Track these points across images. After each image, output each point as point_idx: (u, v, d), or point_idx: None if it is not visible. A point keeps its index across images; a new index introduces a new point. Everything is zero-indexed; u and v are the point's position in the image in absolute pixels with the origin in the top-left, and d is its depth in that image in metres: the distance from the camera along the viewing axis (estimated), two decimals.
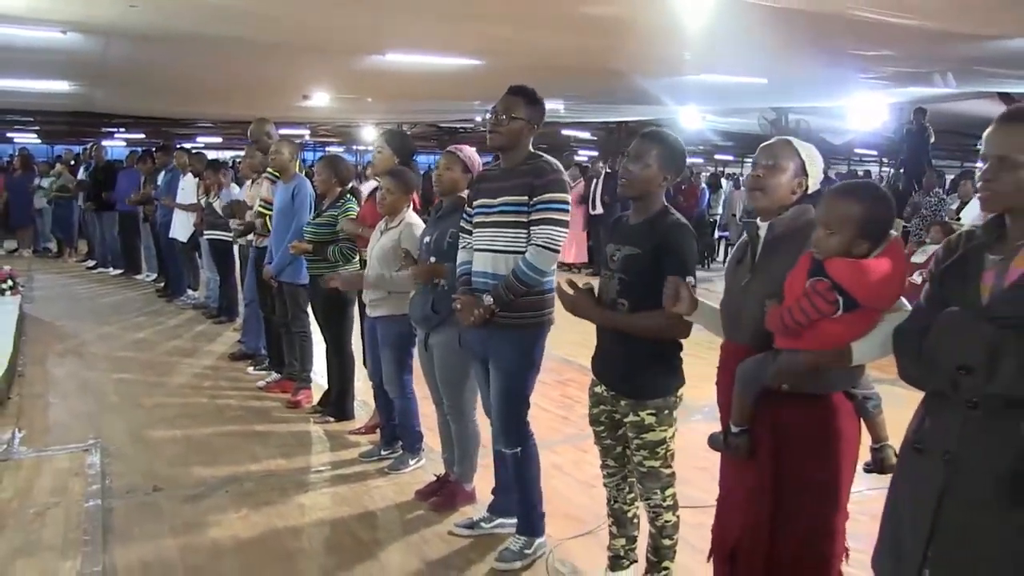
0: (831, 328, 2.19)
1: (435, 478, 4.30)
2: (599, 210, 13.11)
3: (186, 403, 5.79)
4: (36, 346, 7.32)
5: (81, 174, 13.02)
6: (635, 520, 3.20)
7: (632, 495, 3.14)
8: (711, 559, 2.62)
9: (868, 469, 2.48)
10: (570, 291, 2.99)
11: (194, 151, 10.64)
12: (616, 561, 3.24)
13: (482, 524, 3.86)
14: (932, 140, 12.01)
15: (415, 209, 4.53)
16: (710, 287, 12.26)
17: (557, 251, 3.34)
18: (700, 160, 31.24)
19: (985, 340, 1.78)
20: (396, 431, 4.72)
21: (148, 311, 9.15)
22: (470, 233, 3.56)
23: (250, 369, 6.57)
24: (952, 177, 13.81)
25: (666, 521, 2.99)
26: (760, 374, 2.33)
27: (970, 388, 1.82)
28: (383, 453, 4.75)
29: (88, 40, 8.05)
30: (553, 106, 15.81)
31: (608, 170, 13.46)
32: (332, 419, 5.41)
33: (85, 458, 4.69)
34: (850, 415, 2.40)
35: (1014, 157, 1.83)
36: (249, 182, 6.80)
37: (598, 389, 3.04)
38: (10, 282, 8.47)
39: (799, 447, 2.36)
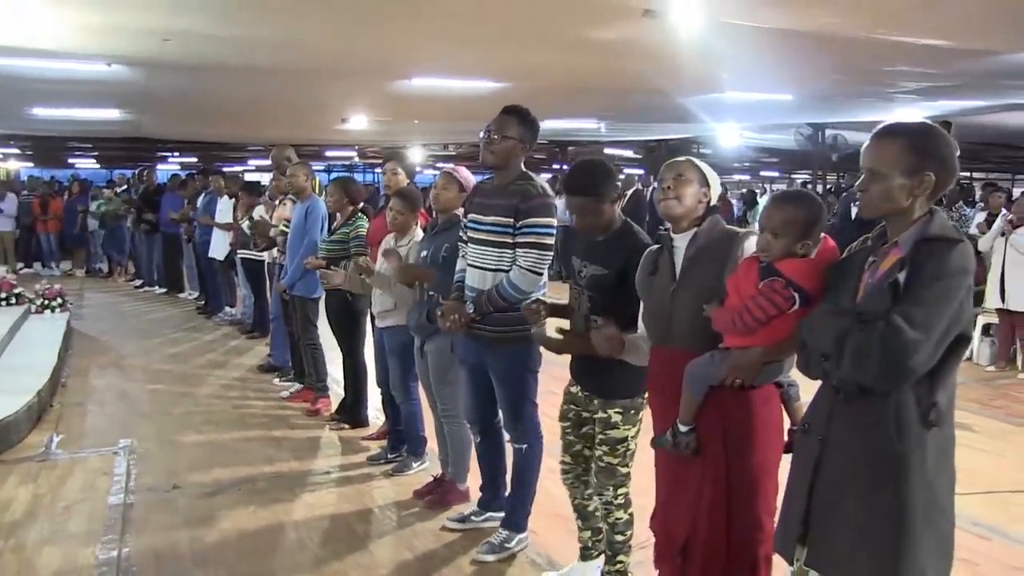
0: (784, 323, 2.38)
1: (432, 479, 4.55)
2: None
3: (212, 411, 6.16)
4: (81, 359, 7.79)
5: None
6: (597, 513, 3.38)
7: (590, 491, 3.34)
8: (656, 558, 2.78)
9: (785, 451, 2.65)
10: (556, 339, 3.17)
11: (230, 174, 11.13)
12: (585, 552, 3.46)
13: (472, 518, 4.10)
14: (958, 153, 11.94)
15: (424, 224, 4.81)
16: None
17: (540, 274, 3.55)
18: (747, 177, 31.21)
19: (835, 331, 2.00)
20: (402, 436, 4.99)
21: (187, 327, 9.62)
22: (467, 243, 3.79)
23: (276, 380, 6.92)
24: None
25: (617, 518, 3.19)
26: (709, 373, 2.51)
27: (832, 374, 2.04)
28: (389, 456, 5.03)
29: (131, 71, 8.53)
30: (592, 125, 16.11)
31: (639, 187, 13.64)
32: (347, 426, 5.70)
33: (114, 460, 5.06)
34: (777, 403, 2.60)
35: (880, 170, 2.04)
36: (277, 202, 7.17)
37: (573, 389, 3.27)
38: (59, 300, 9.04)
39: (747, 440, 2.54)
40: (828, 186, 15.95)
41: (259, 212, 7.57)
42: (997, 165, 22.38)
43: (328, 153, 24.27)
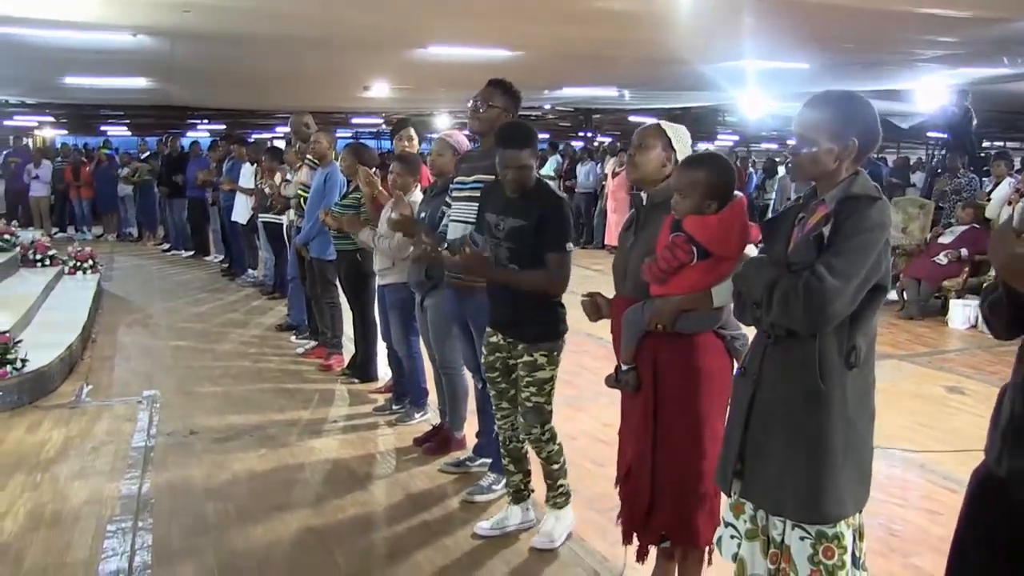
0: (691, 275, 2.65)
1: (432, 427, 4.86)
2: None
3: (230, 365, 6.52)
4: (110, 317, 8.19)
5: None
6: (528, 456, 3.70)
7: (523, 435, 3.62)
8: (617, 483, 3.08)
9: None
10: (462, 259, 3.49)
11: (253, 141, 11.43)
12: (518, 494, 3.75)
13: (467, 463, 4.41)
14: (975, 122, 11.94)
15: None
16: None
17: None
18: (774, 146, 30.97)
19: (765, 279, 2.22)
20: (405, 388, 5.29)
21: (211, 288, 10.02)
22: (451, 204, 4.07)
23: (293, 338, 7.26)
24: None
25: (550, 451, 3.50)
26: (638, 319, 2.80)
27: (763, 320, 2.27)
28: (394, 408, 5.34)
29: (156, 41, 8.85)
30: (612, 93, 16.21)
31: None
32: (357, 380, 6.02)
33: (137, 408, 5.42)
34: (720, 353, 2.83)
35: (809, 135, 2.23)
36: (295, 168, 7.45)
37: (494, 339, 3.54)
38: (90, 262, 9.45)
39: (674, 381, 2.78)
40: None
41: (276, 180, 7.86)
42: None
43: (354, 120, 24.49)
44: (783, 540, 2.25)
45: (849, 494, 2.19)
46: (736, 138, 27.88)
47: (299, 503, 4.02)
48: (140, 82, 12.80)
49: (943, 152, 12.90)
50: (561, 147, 19.12)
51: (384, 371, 5.95)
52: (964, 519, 1.94)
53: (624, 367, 2.88)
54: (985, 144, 20.63)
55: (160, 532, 3.69)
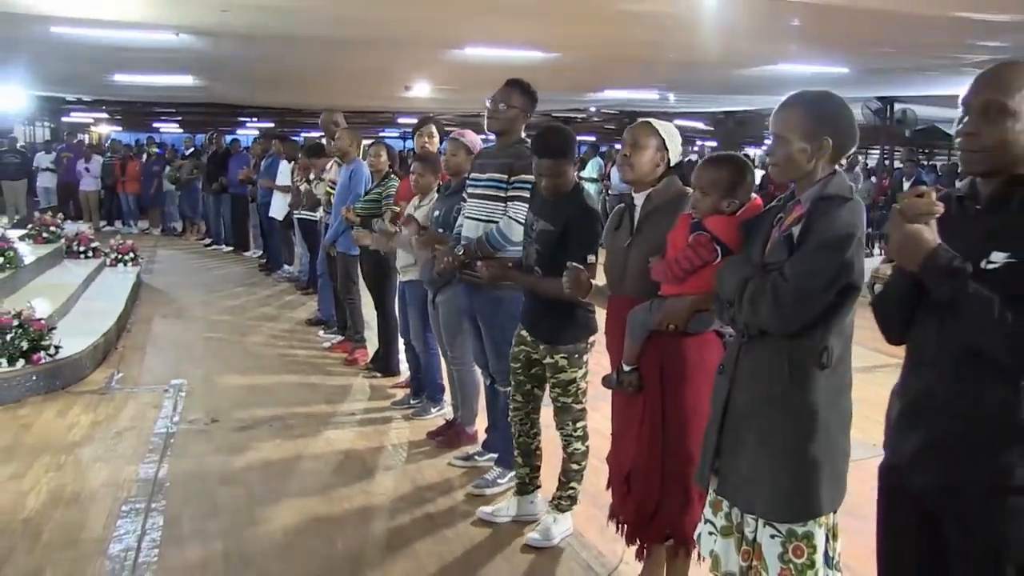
0: (709, 274, 2.64)
1: (445, 422, 4.93)
2: None
3: (258, 357, 6.68)
4: (146, 308, 8.43)
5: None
6: (538, 452, 3.74)
7: (535, 430, 3.69)
8: (609, 486, 3.11)
9: None
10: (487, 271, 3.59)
11: (303, 138, 11.61)
12: (522, 487, 3.80)
13: (476, 458, 4.48)
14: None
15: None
16: None
17: (524, 225, 3.87)
18: None
19: (737, 279, 2.24)
20: (422, 383, 5.38)
21: (247, 283, 10.24)
22: (466, 200, 4.14)
23: (321, 332, 7.39)
24: None
25: (575, 449, 3.52)
26: (647, 319, 2.81)
27: (737, 319, 2.29)
28: (412, 402, 5.43)
29: (198, 40, 9.07)
30: (653, 96, 16.18)
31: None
32: (379, 374, 6.13)
33: (163, 396, 5.58)
34: (720, 351, 2.81)
35: (783, 135, 2.23)
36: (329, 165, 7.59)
37: (523, 333, 3.59)
38: (131, 254, 9.74)
39: (680, 380, 2.81)
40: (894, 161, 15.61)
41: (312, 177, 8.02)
42: None
43: (401, 120, 24.74)
44: (755, 538, 2.26)
45: (819, 494, 2.19)
46: None
47: (308, 491, 4.12)
48: (187, 80, 13.11)
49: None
50: (604, 149, 19.12)
51: (406, 366, 6.05)
52: (879, 514, 2.04)
53: (626, 368, 2.90)
54: None
55: (172, 514, 3.82)
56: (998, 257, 1.75)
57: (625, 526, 3.02)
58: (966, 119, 1.83)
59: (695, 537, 2.56)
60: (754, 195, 2.73)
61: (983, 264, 1.76)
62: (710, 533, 2.42)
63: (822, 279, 2.08)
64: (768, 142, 2.37)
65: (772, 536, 2.22)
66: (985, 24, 7.91)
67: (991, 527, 1.79)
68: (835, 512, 2.26)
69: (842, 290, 2.12)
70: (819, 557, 2.21)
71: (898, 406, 1.97)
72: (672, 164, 2.97)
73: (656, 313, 2.77)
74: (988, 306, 1.70)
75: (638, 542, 3.01)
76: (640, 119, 3.05)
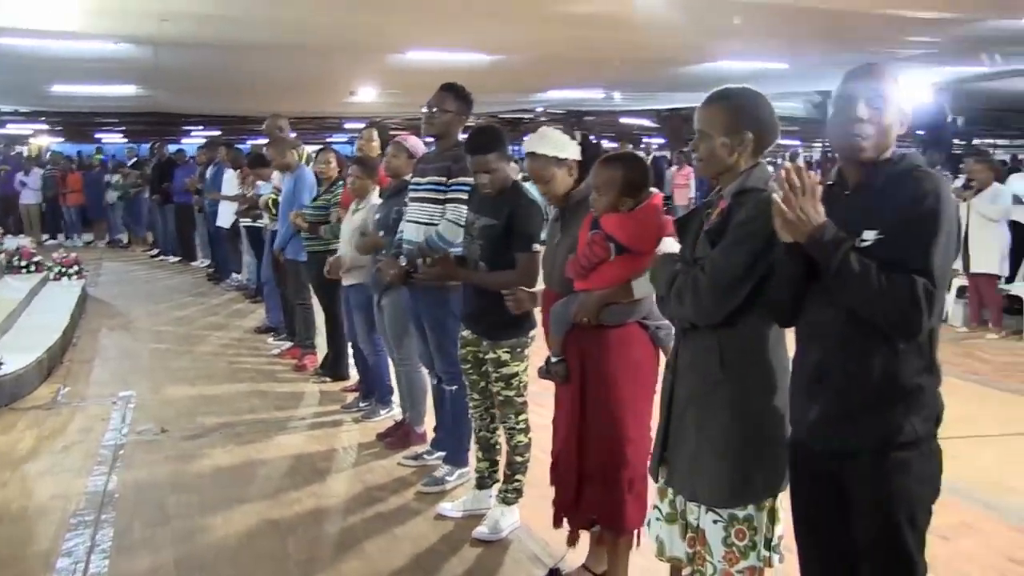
0: (611, 270, 2.78)
1: (394, 423, 4.99)
2: None
3: (206, 366, 6.67)
4: (93, 321, 8.36)
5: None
6: (497, 446, 3.83)
7: (494, 425, 3.77)
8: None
9: None
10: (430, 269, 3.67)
11: (249, 146, 11.53)
12: (482, 480, 3.89)
13: (424, 457, 4.54)
14: (950, 119, 12.08)
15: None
16: None
17: (463, 226, 3.95)
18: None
19: (666, 275, 2.34)
20: (371, 386, 5.43)
21: (195, 292, 10.19)
22: (407, 204, 4.20)
23: (270, 339, 7.39)
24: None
25: (518, 441, 3.62)
26: (564, 313, 2.93)
27: (671, 314, 2.40)
28: (361, 405, 5.47)
29: (138, 49, 9.01)
30: (599, 95, 16.36)
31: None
32: (328, 379, 6.16)
33: (111, 408, 5.56)
34: (644, 343, 2.95)
35: (705, 131, 2.29)
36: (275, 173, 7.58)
37: (465, 333, 3.68)
38: (76, 267, 9.62)
39: (599, 371, 2.91)
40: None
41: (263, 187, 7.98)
42: (1022, 132, 22.14)
43: (347, 125, 24.64)
44: (699, 524, 2.34)
45: (755, 480, 2.27)
46: None
47: (259, 496, 4.15)
48: (129, 89, 12.96)
49: (921, 150, 13.03)
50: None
51: (354, 369, 6.09)
52: (791, 486, 2.18)
53: (553, 359, 3.01)
54: (976, 142, 20.81)
55: (122, 524, 3.82)
56: (869, 235, 1.90)
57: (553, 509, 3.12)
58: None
59: (644, 523, 2.65)
60: (654, 190, 2.86)
61: (857, 242, 1.90)
62: (657, 519, 2.50)
63: (736, 271, 2.16)
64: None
65: (715, 521, 2.29)
66: (916, 20, 8.20)
67: (881, 481, 1.95)
68: (775, 497, 2.32)
69: (767, 276, 2.18)
70: (760, 539, 2.29)
71: (795, 382, 2.11)
72: (580, 162, 3.10)
73: (571, 308, 2.89)
74: (867, 272, 1.85)
75: (568, 527, 3.11)
76: (527, 151, 3.15)
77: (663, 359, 2.98)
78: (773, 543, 2.36)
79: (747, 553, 2.28)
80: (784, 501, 2.34)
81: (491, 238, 3.48)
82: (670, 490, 2.44)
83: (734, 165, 2.26)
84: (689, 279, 2.24)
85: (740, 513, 2.28)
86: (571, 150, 3.10)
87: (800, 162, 17.11)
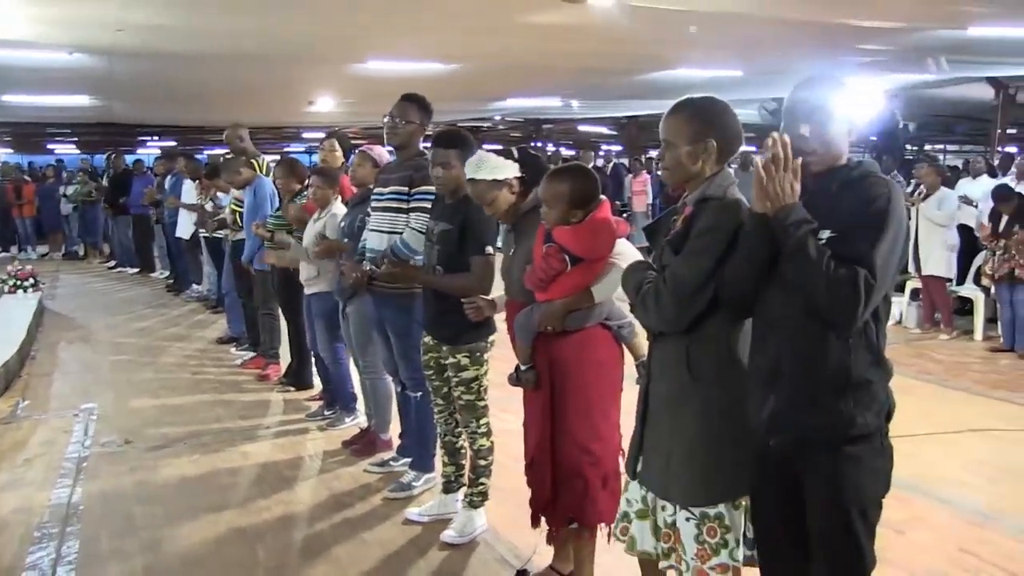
0: (570, 280, 2.87)
1: (360, 430, 5.02)
2: None
3: (169, 378, 6.63)
4: (51, 334, 8.25)
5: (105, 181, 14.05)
6: (462, 451, 3.89)
7: (459, 429, 3.82)
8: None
9: (637, 381, 2.97)
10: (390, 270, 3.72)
11: (207, 157, 11.45)
12: (448, 485, 3.96)
13: (391, 463, 4.58)
14: (902, 125, 12.39)
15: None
16: None
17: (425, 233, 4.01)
18: None
19: (634, 283, 2.42)
20: (335, 394, 5.45)
21: (155, 304, 10.10)
22: (370, 213, 4.26)
23: (232, 349, 7.37)
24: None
25: (481, 445, 3.69)
26: (528, 323, 3.01)
27: (641, 320, 2.47)
28: (325, 413, 5.49)
29: (93, 59, 8.92)
30: (556, 103, 16.50)
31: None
32: (292, 388, 6.17)
33: (73, 421, 5.52)
34: (609, 343, 3.03)
35: (670, 140, 2.36)
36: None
37: (427, 339, 3.74)
38: (31, 280, 9.47)
39: (568, 375, 2.98)
40: None
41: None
42: (971, 137, 22.67)
43: (306, 135, 24.55)
44: (675, 522, 2.38)
45: (725, 478, 2.33)
46: None
47: (226, 504, 4.16)
48: (83, 99, 12.81)
49: (874, 156, 13.34)
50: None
51: (318, 378, 6.10)
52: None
53: (523, 367, 3.09)
54: (927, 147, 21.31)
55: (88, 536, 3.82)
56: (823, 234, 2.01)
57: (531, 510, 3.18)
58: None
59: (617, 518, 2.72)
60: (602, 197, 2.95)
61: None
62: (627, 514, 2.56)
63: (697, 279, 2.22)
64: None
65: (687, 519, 2.35)
66: (866, 29, 8.44)
67: (834, 475, 2.05)
68: (747, 495, 2.37)
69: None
70: (731, 537, 2.34)
71: (753, 377, 2.20)
72: (521, 178, 3.22)
73: (535, 317, 2.98)
74: (820, 258, 1.96)
75: (544, 526, 3.17)
76: (468, 178, 3.27)
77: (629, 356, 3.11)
78: (751, 539, 2.39)
79: (719, 550, 2.32)
80: None
81: (447, 243, 3.56)
82: (642, 487, 2.51)
83: (699, 172, 2.32)
84: (652, 288, 2.31)
85: (711, 511, 2.32)
86: (509, 170, 3.20)
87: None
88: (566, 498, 3.02)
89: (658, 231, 2.51)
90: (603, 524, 3.03)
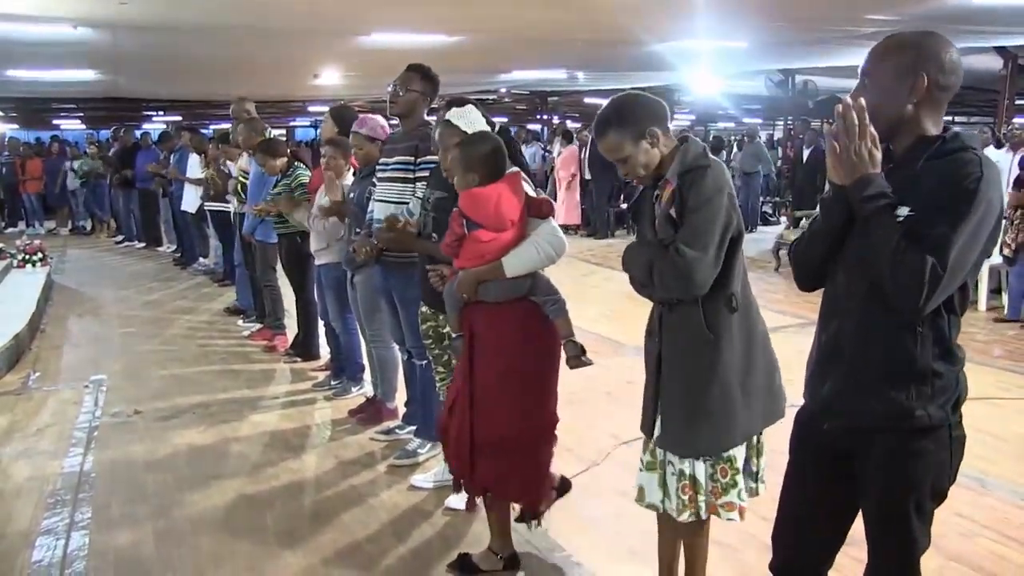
0: (472, 247, 2.91)
1: (366, 399, 5.09)
2: (588, 175, 13.80)
3: (178, 349, 6.70)
4: (60, 308, 8.32)
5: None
6: None
7: None
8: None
9: (568, 363, 3.06)
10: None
11: (213, 131, 11.44)
12: None
13: (396, 431, 4.65)
14: None
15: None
16: None
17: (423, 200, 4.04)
18: (731, 124, 31.29)
19: (643, 261, 2.48)
20: (343, 364, 5.51)
21: (162, 277, 10.17)
22: (376, 184, 4.28)
23: (240, 321, 7.44)
24: None
25: None
26: (453, 291, 3.05)
27: (654, 295, 2.54)
28: (332, 383, 5.56)
29: (97, 32, 8.91)
30: (560, 75, 16.41)
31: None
32: (299, 359, 6.23)
33: (84, 392, 5.59)
34: (536, 318, 3.03)
35: (618, 156, 2.46)
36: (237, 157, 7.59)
37: (424, 309, 3.77)
38: (40, 255, 9.54)
39: (487, 347, 3.01)
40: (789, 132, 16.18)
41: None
42: (979, 109, 22.52)
43: (311, 108, 24.48)
44: (693, 472, 2.51)
45: (742, 423, 2.49)
46: (692, 117, 28.28)
47: (235, 472, 4.24)
48: (88, 74, 12.79)
49: None
50: (515, 130, 19.33)
51: (326, 349, 6.15)
52: (791, 455, 2.25)
53: (453, 335, 3.16)
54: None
55: (100, 503, 3.89)
56: (902, 211, 1.86)
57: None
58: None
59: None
60: (514, 168, 3.03)
61: None
62: (640, 469, 2.67)
63: (713, 243, 2.34)
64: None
65: (704, 461, 2.51)
66: None
67: (891, 466, 1.97)
68: (759, 434, 2.57)
69: (731, 241, 2.40)
70: (740, 477, 2.52)
71: (812, 356, 2.16)
72: None
73: (454, 285, 3.02)
74: (892, 233, 1.82)
75: (464, 494, 3.28)
76: (445, 118, 3.30)
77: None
78: (758, 474, 2.60)
79: (728, 489, 2.51)
80: (767, 435, 2.54)
81: (443, 210, 3.55)
82: (652, 441, 2.59)
83: (661, 158, 2.46)
84: (667, 263, 2.38)
85: (724, 453, 2.50)
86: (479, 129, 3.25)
87: (759, 141, 17.29)
88: (482, 470, 3.03)
89: (642, 209, 2.61)
90: (521, 499, 3.10)
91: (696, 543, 2.69)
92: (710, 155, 2.43)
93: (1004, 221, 7.56)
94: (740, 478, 2.52)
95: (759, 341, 2.54)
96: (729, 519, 2.52)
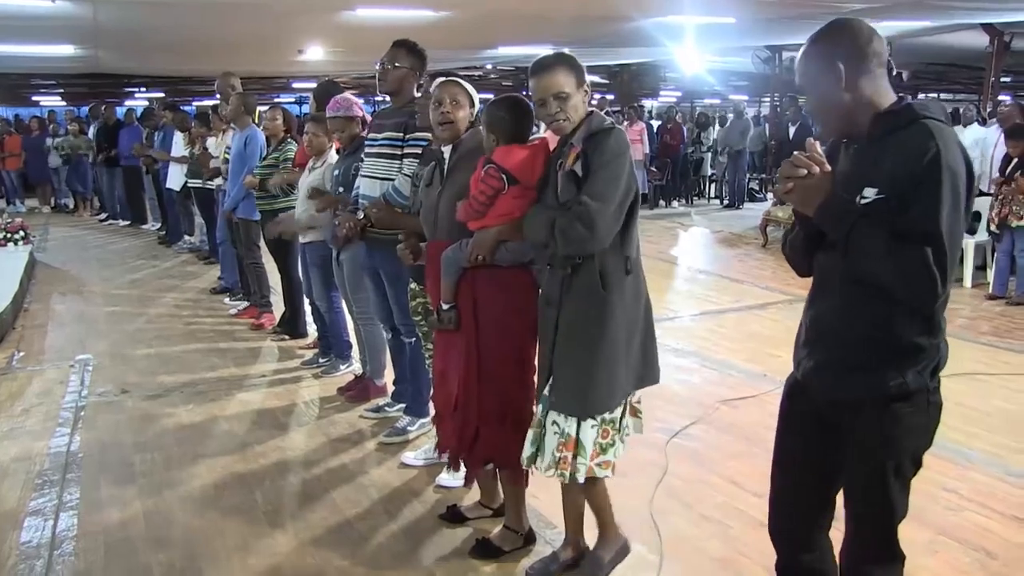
0: (504, 204, 2.86)
1: (354, 377, 5.08)
2: None
3: (164, 327, 6.66)
4: (43, 287, 8.25)
5: (92, 133, 13.88)
6: None
7: None
8: (435, 422, 3.33)
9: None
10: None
11: (196, 107, 11.31)
12: None
13: (386, 409, 4.65)
14: (895, 73, 12.29)
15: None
16: (684, 221, 12.82)
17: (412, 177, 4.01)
18: (717, 101, 31.25)
19: (545, 222, 2.59)
20: (330, 342, 5.49)
21: (147, 256, 10.09)
22: (363, 160, 4.25)
23: (226, 300, 7.40)
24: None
25: None
26: (459, 256, 2.99)
27: (556, 256, 2.64)
28: (320, 361, 5.54)
29: (77, 6, 8.74)
30: (549, 51, 16.31)
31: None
32: (287, 337, 6.21)
33: (70, 371, 5.55)
34: (530, 288, 2.99)
35: (564, 91, 2.60)
36: (221, 133, 7.52)
37: (413, 286, 3.76)
38: (21, 233, 9.38)
39: (492, 315, 3.00)
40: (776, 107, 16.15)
41: (211, 144, 7.90)
42: (965, 86, 22.58)
43: (296, 85, 24.26)
44: (577, 434, 2.67)
45: (630, 377, 2.73)
46: (679, 94, 28.22)
47: (223, 450, 4.23)
48: (67, 49, 12.56)
49: None
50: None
51: (313, 327, 6.13)
52: (779, 424, 2.30)
53: (445, 306, 3.08)
54: (921, 96, 21.20)
55: (88, 483, 3.87)
56: (869, 192, 1.87)
57: (448, 453, 3.21)
58: None
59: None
60: (542, 135, 3.05)
61: (857, 199, 1.89)
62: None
63: (614, 199, 2.53)
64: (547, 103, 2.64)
65: (592, 426, 2.69)
66: None
67: (876, 431, 2.01)
68: (632, 394, 2.83)
69: (629, 206, 2.60)
70: (618, 437, 2.76)
71: (799, 330, 2.20)
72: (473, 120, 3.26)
73: (467, 249, 2.97)
74: (877, 242, 1.82)
75: (463, 467, 3.27)
76: (445, 78, 3.24)
77: None
78: (624, 433, 2.82)
79: (607, 449, 2.73)
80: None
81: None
82: (552, 410, 2.72)
83: (584, 115, 2.65)
84: (572, 216, 2.52)
85: (608, 416, 2.70)
86: (475, 102, 3.27)
87: (747, 118, 17.27)
88: (486, 440, 3.04)
89: (546, 178, 2.76)
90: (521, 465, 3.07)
91: (595, 496, 2.90)
92: (609, 120, 2.63)
93: (990, 199, 7.71)
94: (618, 437, 2.74)
95: (644, 305, 2.74)
96: (604, 476, 2.75)
